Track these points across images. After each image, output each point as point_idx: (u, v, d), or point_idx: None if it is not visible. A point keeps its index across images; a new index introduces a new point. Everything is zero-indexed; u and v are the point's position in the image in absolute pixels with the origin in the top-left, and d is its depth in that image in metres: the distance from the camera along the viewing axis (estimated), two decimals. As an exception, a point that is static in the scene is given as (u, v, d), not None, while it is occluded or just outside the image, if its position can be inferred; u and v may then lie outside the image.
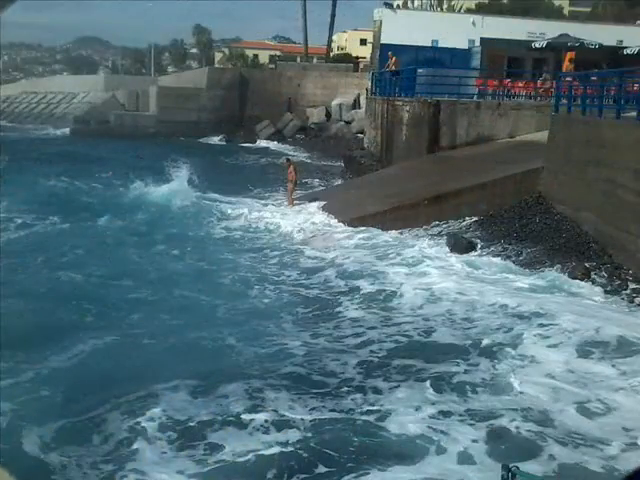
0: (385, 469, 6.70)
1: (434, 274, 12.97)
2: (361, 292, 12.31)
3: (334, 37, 69.14)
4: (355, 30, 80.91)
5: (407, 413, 7.71)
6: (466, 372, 8.83)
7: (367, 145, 28.98)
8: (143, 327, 10.41)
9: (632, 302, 11.49)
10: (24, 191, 21.35)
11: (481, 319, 10.71)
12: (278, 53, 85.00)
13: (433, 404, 7.93)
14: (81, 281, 12.58)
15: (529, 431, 7.31)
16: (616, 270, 12.54)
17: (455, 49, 33.20)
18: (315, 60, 67.35)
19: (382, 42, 33.69)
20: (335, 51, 70.86)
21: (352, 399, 8.11)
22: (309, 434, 7.29)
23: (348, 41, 79.99)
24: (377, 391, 8.33)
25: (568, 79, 20.30)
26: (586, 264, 12.87)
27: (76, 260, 14.05)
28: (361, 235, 16.21)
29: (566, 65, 26.35)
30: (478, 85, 25.16)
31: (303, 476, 6.64)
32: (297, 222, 17.94)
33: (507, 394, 8.21)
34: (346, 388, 8.42)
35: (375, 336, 10.18)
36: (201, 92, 49.52)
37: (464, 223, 16.50)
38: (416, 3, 52.86)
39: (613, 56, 30.16)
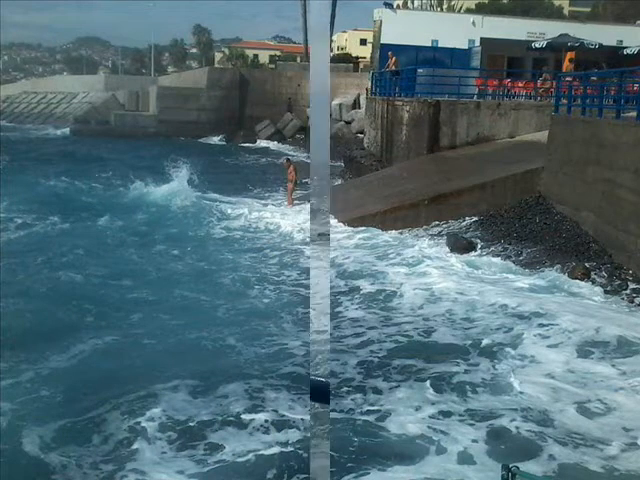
0: (385, 469, 6.69)
1: (434, 274, 12.96)
2: (361, 292, 12.29)
3: (334, 37, 69.18)
4: (355, 30, 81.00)
5: (407, 413, 7.71)
6: (466, 372, 8.82)
7: (367, 145, 28.96)
8: (143, 327, 10.40)
9: (632, 302, 11.49)
10: (24, 191, 21.39)
11: (481, 319, 10.71)
12: (278, 53, 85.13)
13: (433, 404, 7.93)
14: (81, 281, 12.58)
15: (529, 431, 7.31)
16: (616, 270, 12.53)
17: (455, 49, 33.21)
18: (315, 60, 67.26)
19: (382, 42, 33.70)
20: (335, 51, 70.88)
21: (352, 399, 8.10)
22: (309, 434, 7.27)
23: (348, 41, 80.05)
24: (377, 391, 8.33)
25: (568, 79, 20.31)
26: (586, 264, 12.86)
27: (76, 260, 14.05)
28: (361, 235, 16.21)
29: (566, 65, 26.39)
30: (478, 85, 25.15)
31: (303, 476, 6.63)
32: (297, 222, 17.93)
33: (507, 394, 8.21)
34: (346, 388, 8.41)
35: (375, 336, 10.17)
36: (201, 92, 49.54)
37: (464, 223, 16.50)
38: (416, 3, 52.87)
39: (613, 56, 30.14)
